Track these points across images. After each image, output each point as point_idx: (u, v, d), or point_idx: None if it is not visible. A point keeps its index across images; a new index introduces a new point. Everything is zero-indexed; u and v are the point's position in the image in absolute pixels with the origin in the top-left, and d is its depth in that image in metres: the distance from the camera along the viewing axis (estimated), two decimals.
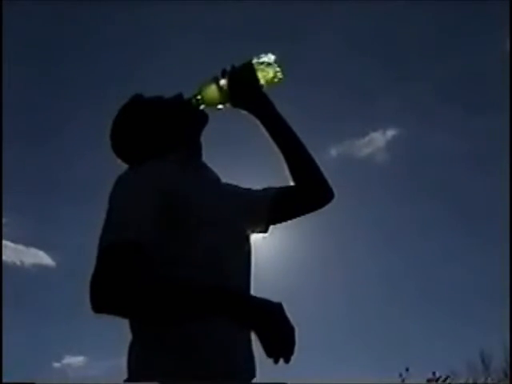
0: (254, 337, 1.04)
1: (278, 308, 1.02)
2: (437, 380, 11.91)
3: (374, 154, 16.31)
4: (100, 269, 1.03)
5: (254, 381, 1.18)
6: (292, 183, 1.44)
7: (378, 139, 17.51)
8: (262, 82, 1.35)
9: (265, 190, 1.45)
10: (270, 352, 1.00)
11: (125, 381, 1.11)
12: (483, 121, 14.40)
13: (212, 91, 1.33)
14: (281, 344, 1.00)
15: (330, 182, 1.45)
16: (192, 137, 1.38)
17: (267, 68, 1.35)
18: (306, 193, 1.43)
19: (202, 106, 1.34)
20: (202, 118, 1.38)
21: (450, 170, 15.97)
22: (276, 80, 1.36)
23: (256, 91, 1.37)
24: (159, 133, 1.35)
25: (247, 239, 1.32)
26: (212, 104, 1.34)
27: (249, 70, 1.34)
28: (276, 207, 1.40)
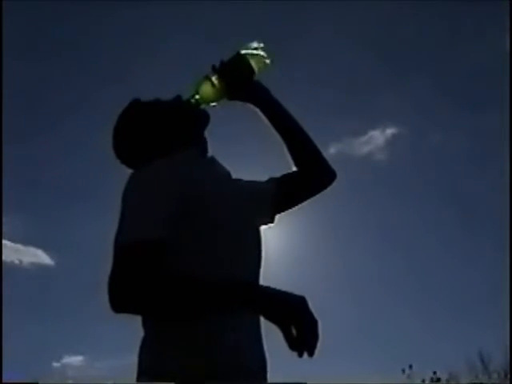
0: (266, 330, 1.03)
1: (301, 301, 1.01)
2: (438, 380, 11.97)
3: (373, 153, 16.33)
4: (119, 268, 1.01)
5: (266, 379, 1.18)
6: (294, 168, 1.46)
7: (378, 137, 17.51)
8: (255, 69, 1.37)
9: (268, 180, 1.46)
10: (293, 345, 0.99)
11: (137, 380, 1.10)
12: (483, 119, 14.41)
13: (207, 89, 1.34)
14: (305, 337, 0.99)
15: (330, 163, 1.49)
16: (196, 136, 1.39)
17: (256, 55, 1.37)
18: (308, 175, 1.45)
19: (201, 105, 1.36)
20: (204, 117, 1.39)
21: (449, 168, 15.98)
22: (266, 65, 1.38)
23: (252, 80, 1.39)
24: (163, 135, 1.35)
25: (258, 231, 1.33)
26: (210, 101, 1.36)
27: (241, 61, 1.36)
28: (280, 195, 1.42)
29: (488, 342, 13.29)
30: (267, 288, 1.05)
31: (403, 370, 11.94)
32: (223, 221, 1.18)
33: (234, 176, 1.41)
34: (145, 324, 1.15)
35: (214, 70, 1.34)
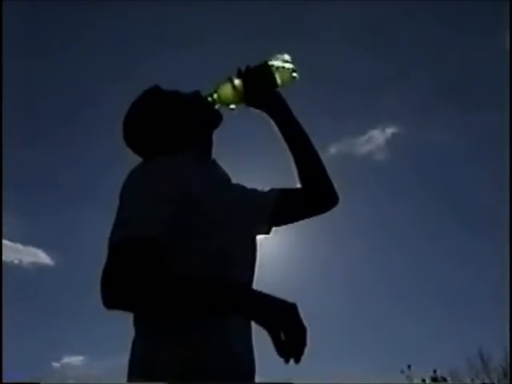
0: (257, 333, 1.03)
1: (292, 308, 1.02)
2: (439, 379, 11.95)
3: (373, 152, 16.34)
4: (112, 265, 1.02)
5: (255, 378, 1.18)
6: (298, 185, 1.44)
7: (378, 137, 17.54)
8: (279, 82, 1.37)
9: (270, 191, 1.44)
10: (281, 351, 0.99)
11: (128, 380, 1.09)
12: (482, 119, 14.41)
13: (227, 90, 1.34)
14: (293, 344, 1.00)
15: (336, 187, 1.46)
16: (205, 135, 1.38)
17: (283, 69, 1.37)
18: (312, 195, 1.43)
19: (217, 105, 1.35)
20: (217, 118, 1.38)
21: (449, 167, 15.97)
22: (291, 80, 1.38)
23: (273, 92, 1.39)
24: (175, 128, 1.33)
25: (253, 238, 1.32)
26: (227, 103, 1.35)
27: (266, 71, 1.36)
28: (280, 209, 1.40)
29: (488, 340, 13.29)
30: (258, 292, 1.05)
31: (402, 371, 11.93)
32: (216, 226, 1.17)
33: (238, 182, 1.40)
34: (136, 324, 1.15)
35: (239, 74, 1.35)
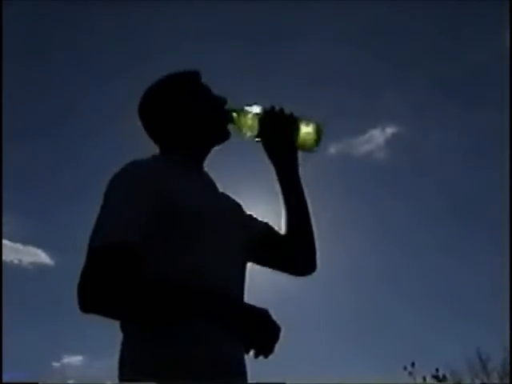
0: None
1: (264, 311, 1.07)
2: (441, 378, 11.93)
3: (373, 152, 16.34)
4: (89, 269, 1.03)
5: (248, 380, 1.18)
6: (283, 233, 1.42)
7: (378, 137, 17.56)
8: (298, 143, 1.35)
9: (261, 221, 1.43)
10: (251, 346, 1.04)
11: (119, 379, 1.10)
12: (482, 117, 14.41)
13: (249, 118, 1.33)
14: (262, 340, 1.04)
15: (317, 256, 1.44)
16: (208, 145, 1.36)
17: (308, 135, 1.34)
18: (293, 253, 1.41)
19: (232, 123, 1.33)
20: (225, 135, 1.36)
21: (449, 166, 15.98)
22: (309, 150, 1.36)
23: (286, 147, 1.37)
24: (185, 122, 1.32)
25: (240, 248, 1.28)
26: (241, 129, 1.34)
27: (291, 125, 1.34)
28: (263, 242, 1.38)
29: (488, 341, 13.29)
30: (232, 298, 1.09)
31: (405, 368, 11.89)
32: (200, 233, 1.17)
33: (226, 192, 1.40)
34: (122, 326, 1.14)
35: (270, 111, 1.33)
